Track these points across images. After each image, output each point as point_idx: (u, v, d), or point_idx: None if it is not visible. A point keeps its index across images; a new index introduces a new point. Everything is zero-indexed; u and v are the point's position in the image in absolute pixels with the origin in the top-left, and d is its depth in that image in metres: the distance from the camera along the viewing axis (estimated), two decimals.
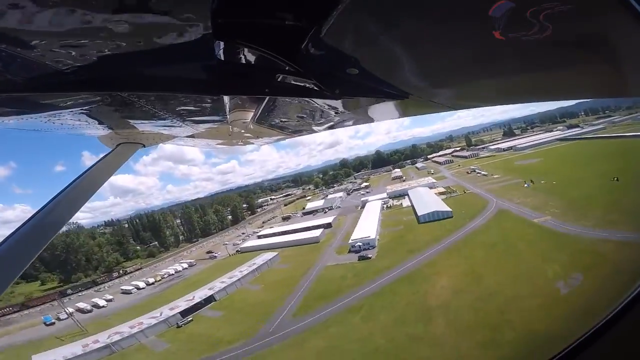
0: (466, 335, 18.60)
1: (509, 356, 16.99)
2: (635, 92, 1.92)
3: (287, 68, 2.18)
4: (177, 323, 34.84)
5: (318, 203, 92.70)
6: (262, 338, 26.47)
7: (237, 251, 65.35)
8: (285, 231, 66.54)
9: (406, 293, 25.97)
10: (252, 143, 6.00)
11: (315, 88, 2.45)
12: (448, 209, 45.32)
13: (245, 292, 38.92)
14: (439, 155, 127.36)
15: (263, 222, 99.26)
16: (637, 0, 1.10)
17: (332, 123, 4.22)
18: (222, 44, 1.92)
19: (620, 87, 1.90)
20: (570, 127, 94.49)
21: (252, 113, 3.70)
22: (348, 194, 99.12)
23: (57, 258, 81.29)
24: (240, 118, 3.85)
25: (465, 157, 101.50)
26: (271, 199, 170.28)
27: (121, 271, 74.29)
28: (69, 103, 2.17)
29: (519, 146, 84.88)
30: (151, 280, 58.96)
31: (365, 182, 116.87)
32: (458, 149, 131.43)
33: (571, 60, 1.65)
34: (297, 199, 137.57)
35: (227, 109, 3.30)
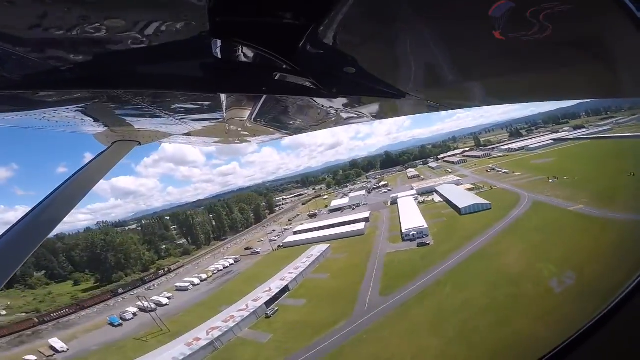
0: (551, 291, 24.22)
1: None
2: (633, 92, 1.95)
3: (284, 66, 2.23)
4: (266, 313, 36.66)
5: (343, 201, 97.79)
6: (362, 315, 30.08)
7: (279, 246, 70.06)
8: (322, 226, 71.56)
9: (484, 266, 31.01)
10: (249, 141, 6.02)
11: (313, 87, 2.48)
12: (486, 201, 51.15)
13: (315, 281, 42.95)
14: (450, 156, 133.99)
15: (289, 220, 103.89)
16: (633, 3, 1.12)
17: (329, 122, 4.27)
18: (219, 42, 1.96)
19: (618, 88, 1.94)
20: (576, 127, 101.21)
21: (249, 111, 3.75)
22: (369, 192, 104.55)
23: (97, 257, 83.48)
24: (237, 116, 3.90)
25: (478, 157, 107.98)
26: (283, 199, 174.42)
27: (166, 269, 76.74)
28: (64, 101, 2.17)
29: (531, 146, 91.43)
30: (204, 276, 61.69)
31: (381, 181, 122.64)
32: (467, 149, 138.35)
33: (569, 61, 1.70)
34: (313, 198, 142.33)
35: (224, 107, 3.29)
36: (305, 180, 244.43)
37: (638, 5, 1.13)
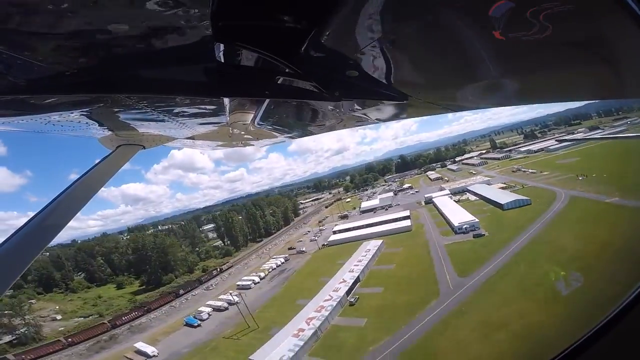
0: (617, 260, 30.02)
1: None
2: (634, 93, 1.94)
3: (287, 70, 2.26)
4: (350, 301, 40.62)
5: (372, 202, 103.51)
6: (450, 294, 34.59)
7: (324, 244, 75.66)
8: (362, 225, 77.31)
9: (548, 248, 36.43)
10: (253, 145, 6.11)
11: (315, 90, 2.50)
12: (525, 197, 57.03)
13: (382, 271, 47.87)
14: (468, 158, 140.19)
15: (319, 222, 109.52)
16: (635, 2, 1.11)
17: (332, 125, 4.34)
18: (222, 46, 2.01)
19: (624, 89, 1.92)
20: (592, 128, 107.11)
21: (252, 115, 3.84)
22: (395, 194, 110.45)
23: (144, 259, 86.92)
24: (241, 120, 3.97)
25: (498, 158, 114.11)
26: (301, 202, 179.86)
27: (218, 269, 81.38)
28: (69, 105, 2.19)
29: (551, 147, 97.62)
30: (262, 274, 65.99)
31: (403, 184, 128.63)
32: (483, 151, 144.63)
33: (571, 62, 1.69)
34: (334, 201, 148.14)
35: (228, 111, 3.33)
36: (318, 184, 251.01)
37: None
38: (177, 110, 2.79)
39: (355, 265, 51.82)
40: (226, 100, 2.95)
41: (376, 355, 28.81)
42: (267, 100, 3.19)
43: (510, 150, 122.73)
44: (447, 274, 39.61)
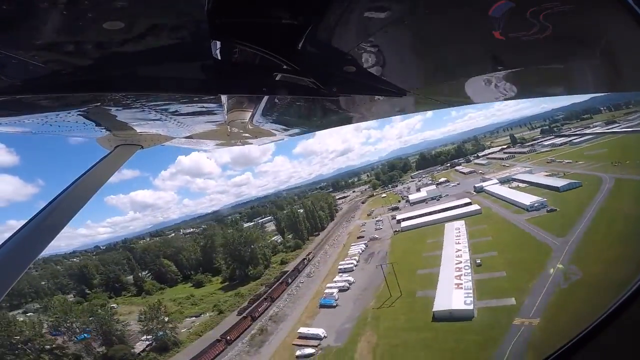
0: None
1: None
2: (634, 87, 2.05)
3: (284, 67, 2.28)
4: (477, 262, 48.60)
5: (419, 195, 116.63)
6: (561, 249, 43.95)
7: (396, 231, 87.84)
8: (425, 213, 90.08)
9: (617, 212, 49.30)
10: (251, 143, 6.14)
11: (313, 86, 2.50)
12: (577, 180, 70.87)
13: (482, 242, 57.49)
14: (491, 153, 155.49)
15: (367, 214, 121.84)
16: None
17: (331, 122, 4.46)
18: (219, 43, 2.03)
19: (623, 82, 2.02)
20: (608, 122, 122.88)
21: (250, 113, 3.92)
22: (436, 187, 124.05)
23: (235, 253, 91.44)
24: (239, 118, 4.07)
25: (524, 152, 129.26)
26: None
27: (307, 259, 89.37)
28: (66, 105, 2.19)
29: (574, 140, 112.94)
30: (356, 258, 75.02)
31: (434, 178, 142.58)
32: (504, 146, 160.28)
33: (569, 57, 1.74)
34: (368, 197, 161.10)
35: (225, 109, 3.36)
36: (336, 184, 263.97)
37: (638, 1, 1.18)
38: (174, 109, 2.80)
39: (456, 238, 63.62)
40: (224, 99, 2.99)
41: (536, 288, 39.23)
42: (265, 98, 3.27)
43: (532, 145, 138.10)
44: (545, 237, 51.99)
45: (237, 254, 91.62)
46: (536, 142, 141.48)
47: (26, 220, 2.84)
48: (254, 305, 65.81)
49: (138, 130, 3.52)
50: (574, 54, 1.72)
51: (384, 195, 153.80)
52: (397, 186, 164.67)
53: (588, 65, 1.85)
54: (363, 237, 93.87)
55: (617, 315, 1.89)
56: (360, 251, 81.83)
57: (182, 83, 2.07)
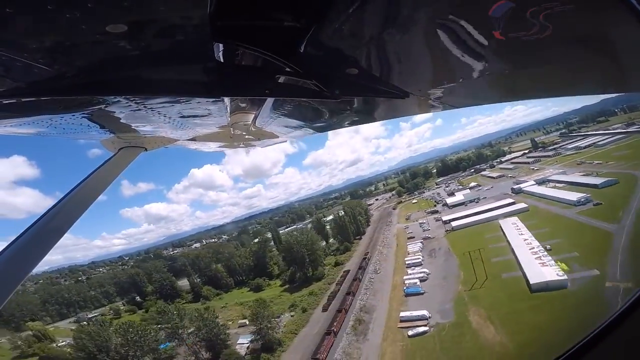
0: None
1: None
2: (635, 87, 2.05)
3: (286, 69, 2.31)
4: (547, 247, 56.28)
5: (457, 198, 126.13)
6: (622, 227, 51.27)
7: (447, 231, 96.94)
8: (472, 213, 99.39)
9: None
10: (254, 146, 6.32)
11: (315, 89, 2.54)
12: (614, 178, 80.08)
13: (545, 232, 67.32)
14: (515, 157, 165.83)
15: (406, 219, 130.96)
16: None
17: (333, 124, 4.53)
18: (221, 46, 2.08)
19: (622, 84, 2.04)
20: (628, 124, 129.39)
21: (253, 115, 4.04)
22: (469, 191, 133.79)
23: (296, 256, 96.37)
24: (241, 120, 4.19)
25: (549, 155, 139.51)
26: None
27: (366, 258, 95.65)
28: (70, 107, 2.23)
29: (599, 142, 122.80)
30: (419, 254, 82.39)
31: (464, 183, 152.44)
32: (526, 151, 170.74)
33: (571, 57, 1.74)
34: (397, 203, 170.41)
35: (228, 112, 3.48)
36: (354, 193, 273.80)
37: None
38: (178, 111, 2.84)
39: (517, 230, 72.21)
40: (227, 101, 3.06)
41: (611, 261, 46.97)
42: (267, 100, 3.33)
43: (555, 148, 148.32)
44: (602, 225, 59.65)
45: (298, 257, 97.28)
46: (558, 145, 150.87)
47: (33, 221, 2.89)
48: (340, 301, 70.99)
49: (142, 133, 3.59)
50: (577, 54, 1.74)
51: (414, 201, 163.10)
52: (423, 192, 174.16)
53: (592, 65, 1.87)
54: (414, 237, 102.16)
55: None
56: (420, 249, 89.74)
57: (186, 85, 2.14)
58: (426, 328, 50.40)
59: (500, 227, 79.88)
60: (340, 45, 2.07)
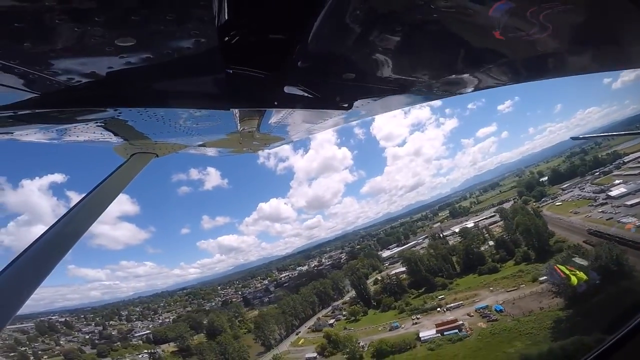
0: None
1: None
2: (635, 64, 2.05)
3: (291, 80, 2.45)
4: None
5: (618, 191, 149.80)
6: None
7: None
8: None
9: None
10: (262, 149, 6.55)
11: (319, 96, 2.73)
12: None
13: None
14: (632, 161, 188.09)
15: (574, 213, 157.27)
16: None
17: (337, 121, 4.69)
18: (228, 59, 2.11)
19: (623, 60, 2.15)
20: None
21: (257, 121, 4.18)
22: None
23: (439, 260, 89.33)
24: (249, 127, 4.33)
25: None
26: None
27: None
28: (85, 117, 2.38)
29: None
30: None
31: (604, 183, 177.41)
32: None
33: (569, 39, 1.82)
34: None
35: (237, 120, 3.65)
36: (453, 210, 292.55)
37: None
38: (188, 120, 3.02)
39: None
40: (236, 110, 3.19)
41: None
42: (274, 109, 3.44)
43: None
44: None
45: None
46: None
47: (48, 227, 2.96)
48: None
49: (153, 140, 3.77)
50: (579, 33, 1.82)
51: (558, 203, 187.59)
52: (556, 197, 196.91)
53: (593, 45, 1.99)
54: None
55: None
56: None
57: (196, 97, 2.27)
58: None
59: None
60: (334, 54, 2.20)
